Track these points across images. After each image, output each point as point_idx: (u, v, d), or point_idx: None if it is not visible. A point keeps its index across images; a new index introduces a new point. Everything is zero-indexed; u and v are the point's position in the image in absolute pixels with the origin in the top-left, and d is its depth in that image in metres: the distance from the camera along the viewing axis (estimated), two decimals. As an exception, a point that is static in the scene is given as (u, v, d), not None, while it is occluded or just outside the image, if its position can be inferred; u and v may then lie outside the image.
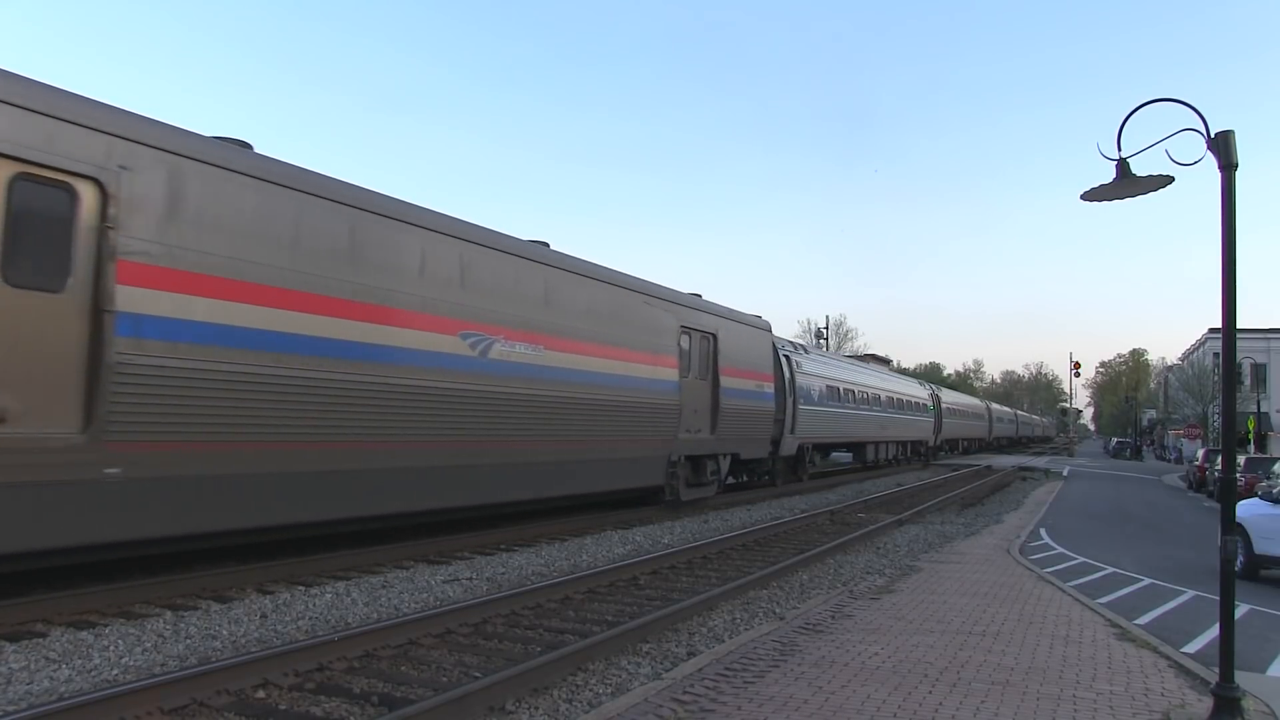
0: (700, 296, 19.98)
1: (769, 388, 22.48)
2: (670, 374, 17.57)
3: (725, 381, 19.61)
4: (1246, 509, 14.33)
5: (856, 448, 35.06)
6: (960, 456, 58.82)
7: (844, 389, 30.99)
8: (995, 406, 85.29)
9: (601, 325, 15.55)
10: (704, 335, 19.10)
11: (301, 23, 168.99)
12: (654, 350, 17.10)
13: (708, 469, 19.24)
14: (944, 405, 51.29)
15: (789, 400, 24.46)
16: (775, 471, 25.36)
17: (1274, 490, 14.76)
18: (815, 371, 28.30)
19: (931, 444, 47.78)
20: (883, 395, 37.03)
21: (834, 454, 36.24)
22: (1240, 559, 13.93)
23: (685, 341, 18.35)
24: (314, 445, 10.05)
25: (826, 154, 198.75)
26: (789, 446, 24.81)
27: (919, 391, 46.18)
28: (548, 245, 15.11)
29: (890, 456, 38.74)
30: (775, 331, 30.85)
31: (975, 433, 65.96)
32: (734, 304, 21.70)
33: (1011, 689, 6.59)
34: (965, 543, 15.77)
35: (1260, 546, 13.91)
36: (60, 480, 7.69)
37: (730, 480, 23.38)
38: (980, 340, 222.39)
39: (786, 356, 25.28)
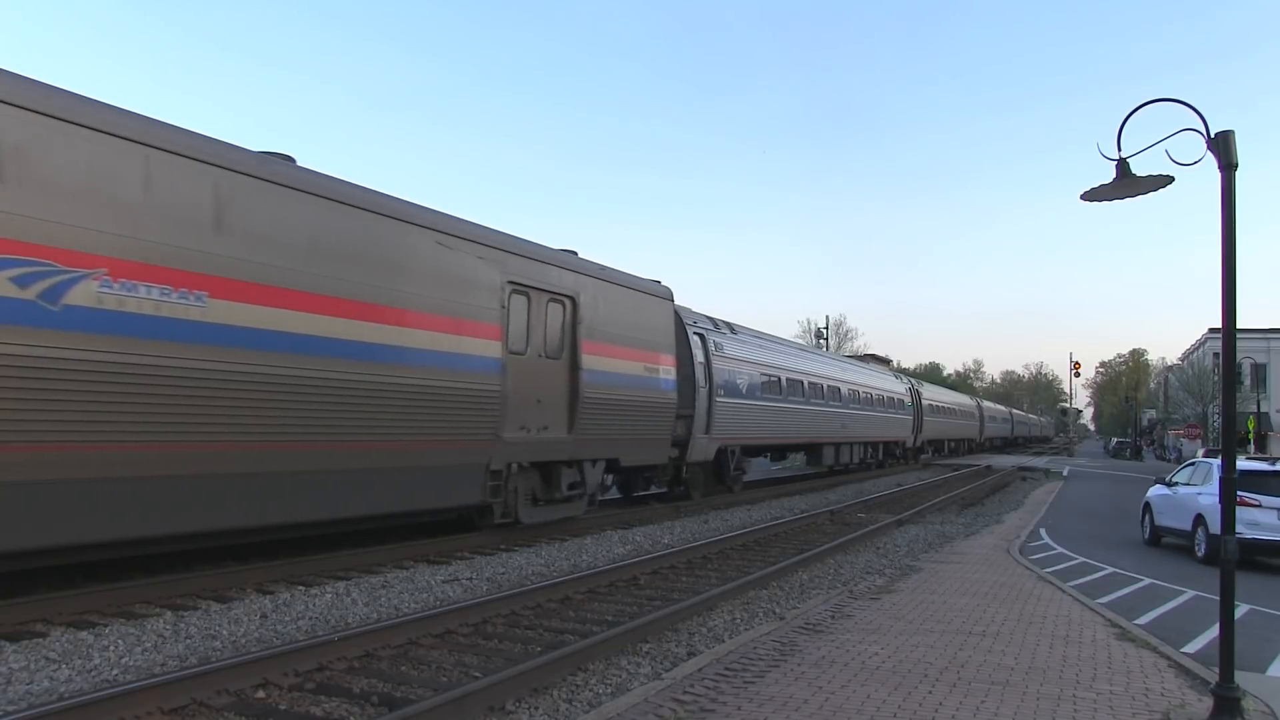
0: (575, 254, 15.51)
1: (668, 373, 17.54)
2: (486, 348, 12.56)
3: (591, 362, 14.88)
4: (1152, 492, 18.59)
5: (811, 450, 29.44)
6: (949, 458, 54.32)
7: (788, 379, 25.31)
8: (987, 404, 79.67)
9: (341, 269, 10.36)
10: (554, 298, 14.16)
11: (302, 21, 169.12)
12: (453, 312, 12.01)
13: (563, 480, 14.54)
14: (925, 401, 45.80)
15: (702, 390, 19.38)
16: (690, 481, 20.18)
17: (1167, 478, 18.44)
18: (744, 355, 22.44)
19: (910, 445, 42.64)
20: (844, 389, 31.03)
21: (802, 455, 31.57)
22: (1148, 530, 18.40)
23: (519, 305, 13.35)
24: None
25: (826, 154, 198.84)
26: (702, 449, 19.65)
27: (894, 386, 40.53)
28: (291, 160, 10.45)
29: (856, 460, 33.43)
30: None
31: (964, 433, 60.45)
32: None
33: (1011, 689, 6.59)
34: (965, 543, 15.78)
35: (1159, 520, 17.92)
36: None
37: (632, 492, 19.60)
38: (980, 340, 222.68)
39: (700, 335, 19.96)
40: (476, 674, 6.69)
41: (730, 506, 20.54)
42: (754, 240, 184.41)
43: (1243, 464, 17.10)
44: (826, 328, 71.64)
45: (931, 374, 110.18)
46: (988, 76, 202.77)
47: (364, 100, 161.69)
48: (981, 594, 10.57)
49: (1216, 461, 16.32)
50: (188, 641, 7.41)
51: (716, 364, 20.33)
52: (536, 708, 6.16)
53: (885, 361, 54.71)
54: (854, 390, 32.40)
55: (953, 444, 57.83)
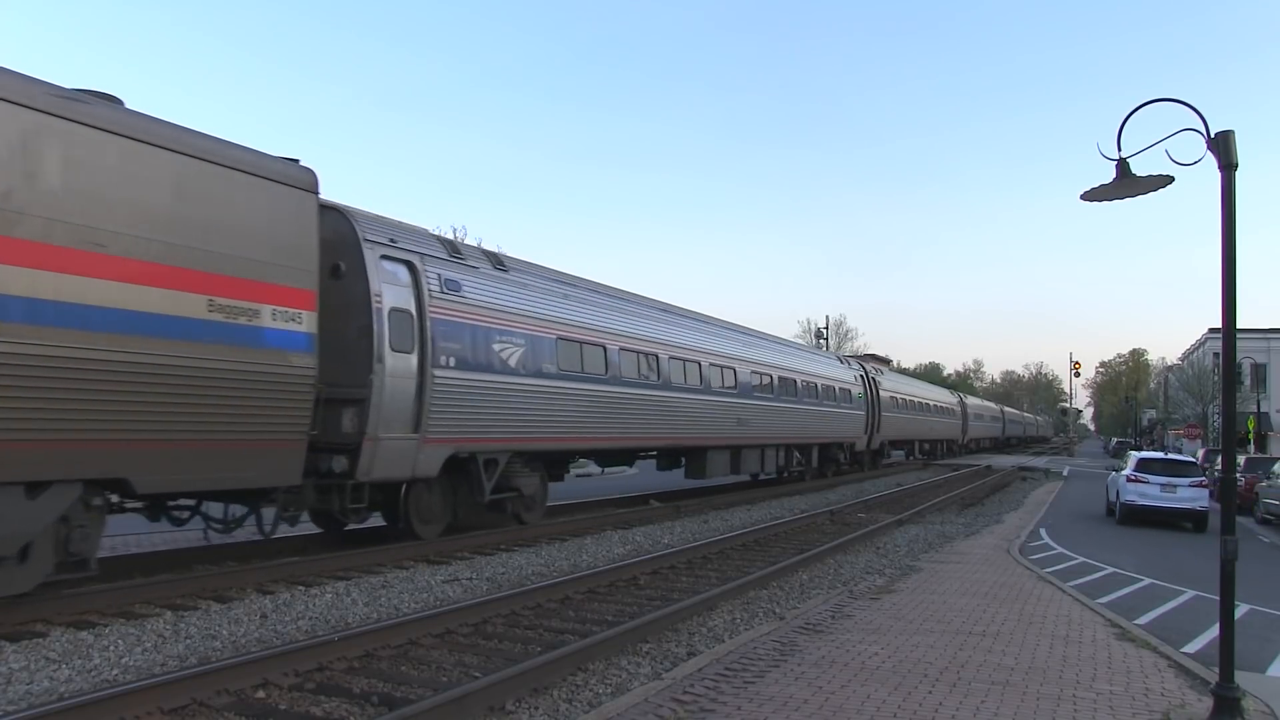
0: (106, 98, 8.81)
1: (292, 321, 10.03)
2: None
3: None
4: (1110, 476, 24.73)
5: (689, 455, 20.76)
6: (932, 462, 47.96)
7: (621, 350, 16.80)
8: (972, 400, 69.99)
9: None
10: None
11: (301, 20, 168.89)
12: None
13: None
14: (883, 393, 36.53)
15: (401, 358, 11.47)
16: (414, 509, 12.55)
17: (1117, 466, 25.23)
18: (515, 306, 13.95)
19: (864, 448, 33.81)
20: (741, 369, 22.24)
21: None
22: (1105, 505, 24.23)
23: None
24: None
25: (826, 155, 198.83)
26: (401, 459, 11.57)
27: (835, 372, 31.06)
28: None
29: (771, 469, 25.04)
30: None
31: (940, 432, 50.93)
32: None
33: (1011, 689, 6.59)
34: (965, 543, 15.78)
35: (1109, 496, 23.75)
36: None
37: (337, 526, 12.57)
38: (980, 340, 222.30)
39: (407, 263, 11.90)
40: (476, 674, 6.69)
41: (730, 507, 20.53)
42: (754, 241, 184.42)
43: (1142, 453, 24.69)
44: (826, 328, 71.70)
45: (931, 374, 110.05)
46: (987, 76, 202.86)
47: (364, 99, 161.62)
48: (981, 594, 10.57)
49: (1138, 454, 24.76)
50: (188, 641, 7.42)
51: (444, 314, 12.24)
52: (536, 708, 6.16)
53: (885, 361, 53.42)
54: (760, 374, 23.62)
55: (926, 446, 49.27)
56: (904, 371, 69.52)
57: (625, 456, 20.15)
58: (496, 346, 13.37)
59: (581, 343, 15.69)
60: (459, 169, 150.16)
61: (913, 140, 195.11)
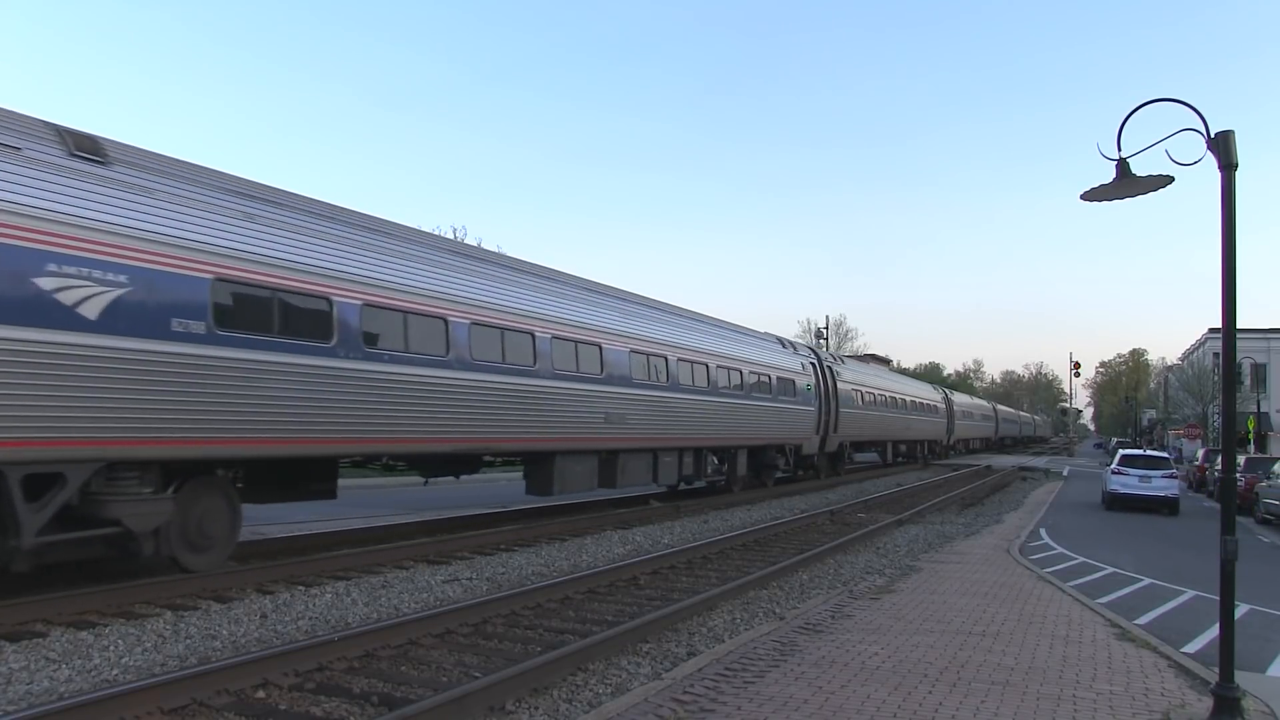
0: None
1: None
2: None
3: None
4: (1104, 471, 27.96)
5: (530, 461, 15.73)
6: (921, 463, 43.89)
7: (368, 304, 11.26)
8: (960, 398, 62.59)
9: None
10: None
11: (302, 20, 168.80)
12: None
13: None
14: (844, 387, 30.50)
15: None
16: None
17: (1109, 463, 28.27)
18: (110, 221, 8.44)
19: (815, 450, 28.04)
20: (616, 348, 16.86)
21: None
22: (1100, 497, 26.92)
23: None
24: None
25: (826, 155, 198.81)
26: None
27: (775, 358, 25.04)
28: None
29: (674, 478, 19.66)
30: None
31: (920, 432, 44.61)
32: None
33: (1011, 689, 6.60)
34: (965, 543, 15.78)
35: (1103, 489, 26.94)
36: None
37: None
38: (980, 340, 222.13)
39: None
40: (476, 674, 6.69)
41: (730, 507, 20.54)
42: (754, 241, 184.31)
43: (1124, 450, 28.74)
44: (826, 328, 71.71)
45: (931, 374, 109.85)
46: (987, 75, 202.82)
47: (364, 99, 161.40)
48: (981, 594, 10.57)
49: (1123, 451, 28.57)
50: (188, 641, 7.42)
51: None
52: (536, 708, 6.16)
53: (885, 361, 53.08)
54: (649, 354, 18.08)
55: (902, 448, 43.28)
56: (904, 371, 69.21)
57: (464, 462, 14.72)
58: (52, 284, 7.93)
59: (275, 290, 10.11)
60: (459, 169, 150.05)
61: (912, 140, 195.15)
